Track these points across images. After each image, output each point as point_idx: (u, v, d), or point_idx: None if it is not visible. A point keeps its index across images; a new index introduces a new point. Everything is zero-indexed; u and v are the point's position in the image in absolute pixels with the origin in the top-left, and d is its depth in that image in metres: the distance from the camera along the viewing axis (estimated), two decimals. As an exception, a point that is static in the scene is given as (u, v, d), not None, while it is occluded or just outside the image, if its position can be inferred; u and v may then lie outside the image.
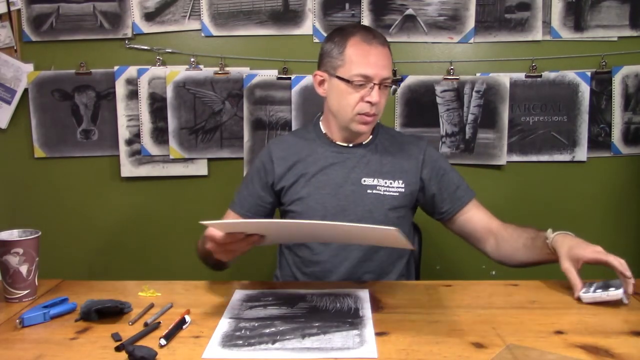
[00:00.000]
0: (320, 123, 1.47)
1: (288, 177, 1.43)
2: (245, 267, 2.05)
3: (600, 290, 1.11)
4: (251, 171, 1.50)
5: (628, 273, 1.11)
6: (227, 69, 1.99)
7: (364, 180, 1.39)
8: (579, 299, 1.13)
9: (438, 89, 1.99)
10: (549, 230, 1.27)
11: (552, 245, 1.24)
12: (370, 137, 1.44)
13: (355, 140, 1.43)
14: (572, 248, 1.19)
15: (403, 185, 1.40)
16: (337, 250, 1.38)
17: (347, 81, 1.32)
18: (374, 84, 1.31)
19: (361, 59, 1.31)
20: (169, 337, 0.96)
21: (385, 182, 1.39)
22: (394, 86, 1.38)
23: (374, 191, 1.38)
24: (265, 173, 1.45)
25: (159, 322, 1.04)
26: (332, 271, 1.39)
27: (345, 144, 1.43)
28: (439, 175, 1.43)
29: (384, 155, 1.42)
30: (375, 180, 1.39)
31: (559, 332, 0.98)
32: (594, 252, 1.16)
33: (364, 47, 1.32)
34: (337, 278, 1.38)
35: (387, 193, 1.39)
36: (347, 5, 1.96)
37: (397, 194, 1.39)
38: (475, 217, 1.42)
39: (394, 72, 1.96)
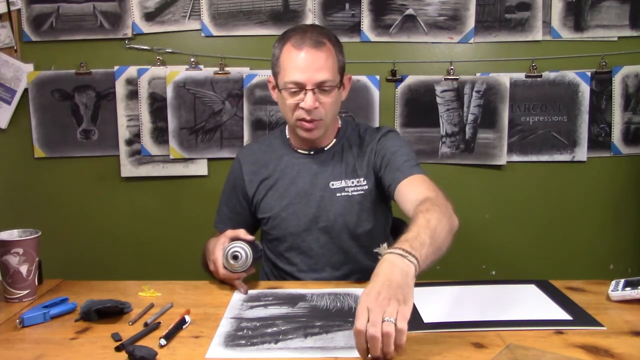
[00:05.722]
0: (287, 128, 1.46)
1: (260, 190, 1.43)
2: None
3: (629, 289, 1.10)
4: (227, 186, 1.50)
5: None
6: (227, 69, 1.98)
7: (332, 184, 1.38)
8: (608, 298, 1.13)
9: (438, 89, 1.98)
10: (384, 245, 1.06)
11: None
12: (334, 140, 1.42)
13: (316, 145, 1.41)
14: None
15: (365, 182, 1.38)
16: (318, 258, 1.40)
17: (282, 89, 1.31)
18: (307, 89, 1.28)
19: (291, 65, 1.28)
20: (169, 337, 0.96)
21: (353, 182, 1.38)
22: None
23: (343, 194, 1.37)
24: (242, 187, 1.45)
25: (159, 322, 1.04)
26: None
27: (306, 152, 1.41)
28: (388, 155, 1.34)
29: (347, 155, 1.41)
30: (343, 181, 1.38)
31: (559, 332, 0.98)
32: None
33: (293, 53, 1.28)
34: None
35: (355, 193, 1.38)
36: (347, 5, 1.96)
37: (363, 191, 1.38)
38: (409, 192, 1.24)
39: (394, 72, 1.97)
